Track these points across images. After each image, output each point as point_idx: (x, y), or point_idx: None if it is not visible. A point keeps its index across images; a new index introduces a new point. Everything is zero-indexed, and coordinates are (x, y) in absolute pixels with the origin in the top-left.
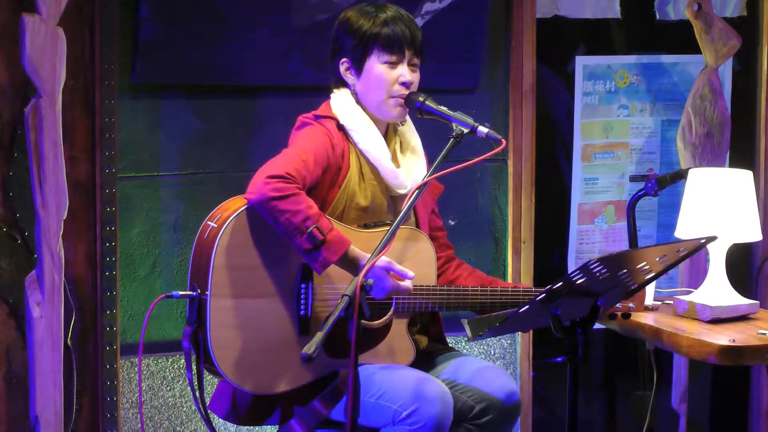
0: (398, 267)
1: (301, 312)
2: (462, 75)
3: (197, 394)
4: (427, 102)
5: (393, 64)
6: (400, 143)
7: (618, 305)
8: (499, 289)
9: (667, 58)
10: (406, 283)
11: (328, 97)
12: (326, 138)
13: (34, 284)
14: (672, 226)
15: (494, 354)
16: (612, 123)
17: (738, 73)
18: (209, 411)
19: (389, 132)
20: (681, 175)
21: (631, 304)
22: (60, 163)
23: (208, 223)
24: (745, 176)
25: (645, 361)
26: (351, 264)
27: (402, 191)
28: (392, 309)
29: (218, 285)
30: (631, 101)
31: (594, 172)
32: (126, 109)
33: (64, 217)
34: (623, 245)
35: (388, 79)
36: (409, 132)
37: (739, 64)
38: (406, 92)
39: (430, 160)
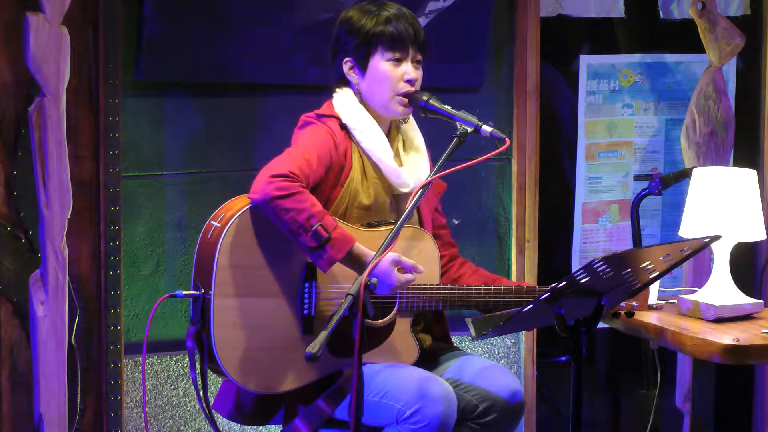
0: (407, 260)
1: (305, 311)
2: (466, 74)
3: (201, 393)
4: (431, 101)
5: (397, 62)
6: (403, 141)
7: (621, 304)
8: (502, 287)
9: (671, 57)
10: (410, 276)
11: (331, 96)
12: (329, 137)
13: (38, 283)
14: (676, 225)
15: (498, 353)
16: (616, 122)
17: (742, 72)
18: (213, 410)
19: (392, 130)
20: (685, 174)
21: (634, 303)
22: (64, 162)
23: (212, 222)
24: (749, 175)
25: (649, 361)
26: (356, 262)
27: (405, 190)
28: (396, 308)
29: (222, 284)
30: (635, 100)
31: (598, 171)
32: (130, 108)
33: (68, 216)
34: (627, 244)
35: (393, 76)
36: (412, 130)
37: (743, 63)
38: (411, 89)
39: (433, 159)
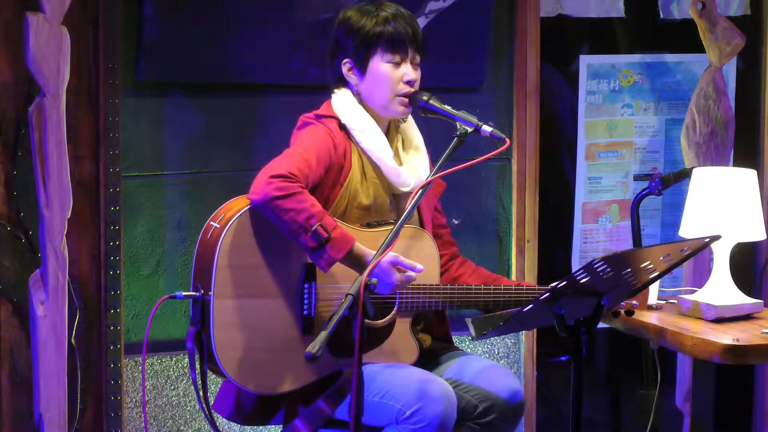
0: (406, 260)
1: (305, 312)
2: (466, 74)
3: (201, 393)
4: (431, 101)
5: (397, 63)
6: (402, 141)
7: (621, 303)
8: (502, 287)
9: (670, 57)
10: (411, 275)
11: (330, 96)
12: (328, 137)
13: (38, 283)
14: (676, 225)
15: (498, 353)
16: (616, 122)
17: (742, 72)
18: (213, 410)
19: (391, 130)
20: (685, 174)
21: (634, 302)
22: (64, 162)
23: (211, 223)
24: (749, 175)
25: (649, 361)
26: (356, 261)
27: (405, 189)
28: (396, 308)
29: (221, 285)
30: (635, 100)
31: (598, 171)
32: (129, 108)
33: (68, 216)
34: (627, 244)
35: (392, 78)
36: (411, 129)
37: (743, 63)
38: (411, 90)
39: (433, 159)
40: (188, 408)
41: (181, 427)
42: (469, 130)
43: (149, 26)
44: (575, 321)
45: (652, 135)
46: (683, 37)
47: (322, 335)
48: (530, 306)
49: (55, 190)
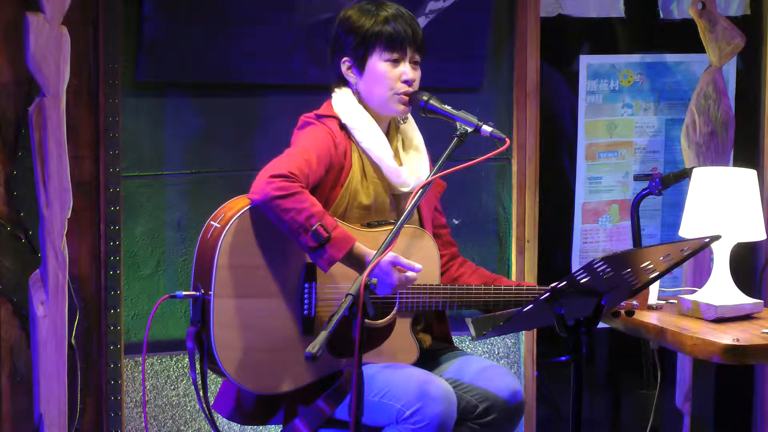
0: (405, 260)
1: (305, 312)
2: (466, 74)
3: (201, 393)
4: (431, 101)
5: (395, 62)
6: (402, 141)
7: (621, 303)
8: (502, 287)
9: (671, 57)
10: (411, 275)
11: (330, 96)
12: (328, 137)
13: (38, 283)
14: (676, 225)
15: (498, 353)
16: (616, 122)
17: (742, 72)
18: (213, 410)
19: (391, 130)
20: (685, 174)
21: (634, 302)
22: (64, 162)
23: (212, 223)
24: (749, 175)
25: (649, 361)
26: (357, 261)
27: (405, 189)
28: (396, 308)
29: (222, 285)
30: (635, 100)
31: (598, 171)
32: (130, 108)
33: (68, 216)
34: (627, 244)
35: (390, 77)
36: (411, 130)
37: (743, 63)
38: (410, 89)
39: (433, 159)
40: (188, 408)
41: (181, 427)
42: (469, 130)
43: (149, 26)
44: (575, 321)
45: (652, 135)
46: (683, 37)
47: (322, 335)
48: (530, 306)
49: (55, 190)
